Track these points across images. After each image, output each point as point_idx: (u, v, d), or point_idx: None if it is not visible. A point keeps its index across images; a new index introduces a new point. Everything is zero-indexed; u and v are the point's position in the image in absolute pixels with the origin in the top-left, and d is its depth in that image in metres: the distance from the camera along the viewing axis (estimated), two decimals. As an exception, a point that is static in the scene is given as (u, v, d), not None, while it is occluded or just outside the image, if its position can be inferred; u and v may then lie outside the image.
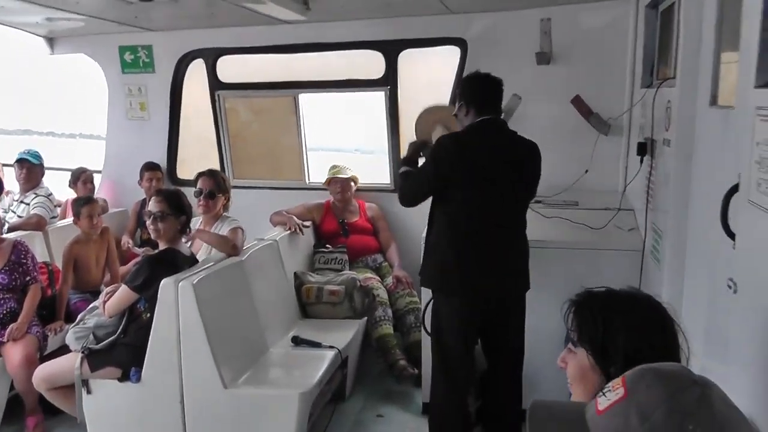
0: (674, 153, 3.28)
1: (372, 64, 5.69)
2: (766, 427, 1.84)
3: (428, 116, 3.82)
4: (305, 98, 6.05)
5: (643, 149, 4.08)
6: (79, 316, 3.89)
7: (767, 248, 1.91)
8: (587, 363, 1.61)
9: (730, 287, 2.24)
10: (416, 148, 3.87)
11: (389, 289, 5.08)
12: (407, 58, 5.65)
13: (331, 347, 4.13)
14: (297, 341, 4.24)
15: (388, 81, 5.65)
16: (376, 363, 4.85)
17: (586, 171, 4.83)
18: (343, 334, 4.40)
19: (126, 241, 5.70)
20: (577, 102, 5.00)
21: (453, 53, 5.48)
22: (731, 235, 2.29)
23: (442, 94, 5.34)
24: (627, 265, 3.97)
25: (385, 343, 4.76)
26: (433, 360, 3.71)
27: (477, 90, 3.60)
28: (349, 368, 4.44)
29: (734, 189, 2.23)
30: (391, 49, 5.60)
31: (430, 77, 5.77)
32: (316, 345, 4.19)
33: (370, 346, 4.83)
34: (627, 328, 1.59)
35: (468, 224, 3.44)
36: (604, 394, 1.21)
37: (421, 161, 3.80)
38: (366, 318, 4.77)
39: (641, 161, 4.14)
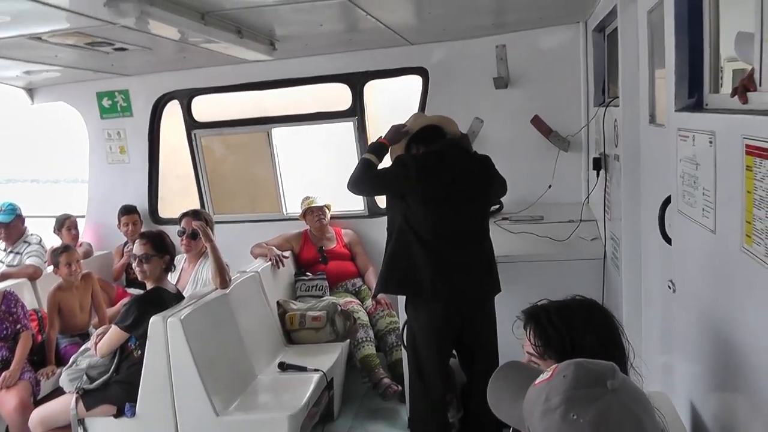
0: (623, 167, 3.51)
1: (341, 96, 5.90)
2: (704, 405, 2.10)
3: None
4: (278, 132, 6.25)
5: (598, 164, 4.35)
6: (72, 359, 4.01)
7: (696, 251, 2.13)
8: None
9: (669, 287, 2.48)
10: (398, 134, 3.87)
11: (369, 311, 5.26)
12: (373, 89, 5.89)
13: (317, 370, 4.29)
14: (283, 367, 4.40)
15: (356, 111, 5.88)
16: (362, 383, 5.00)
17: (550, 186, 5.07)
18: (328, 357, 4.56)
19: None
20: (537, 121, 5.27)
21: (416, 81, 5.72)
22: (668, 241, 2.53)
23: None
24: (591, 273, 4.18)
25: (368, 363, 4.91)
26: (411, 374, 3.88)
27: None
28: (335, 389, 4.59)
29: (668, 200, 2.48)
30: (356, 81, 5.84)
31: (396, 105, 5.98)
32: (302, 369, 4.35)
33: (355, 367, 4.98)
34: (590, 332, 1.77)
35: (431, 232, 3.62)
36: (544, 372, 1.41)
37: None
38: (349, 340, 4.93)
39: (597, 175, 4.38)
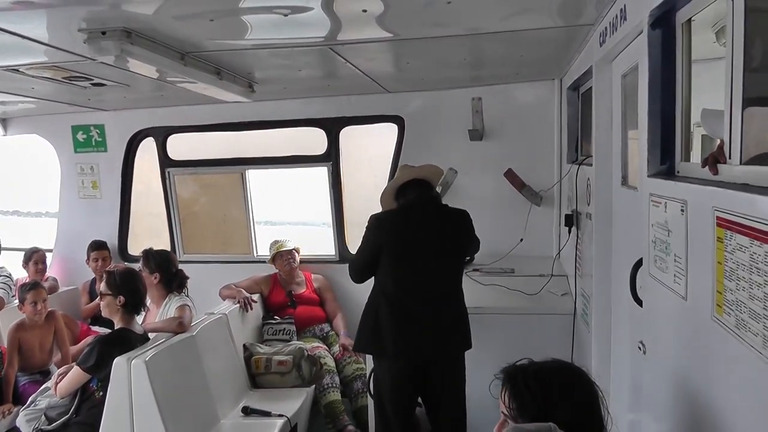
0: (595, 226, 3.55)
1: (316, 140, 5.93)
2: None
3: (388, 191, 4.01)
4: (253, 173, 6.26)
5: (570, 221, 4.41)
6: (30, 398, 3.95)
7: (667, 315, 2.16)
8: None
9: (639, 348, 2.50)
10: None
11: (336, 357, 5.22)
12: (349, 134, 5.92)
13: (281, 416, 4.25)
14: (247, 411, 4.34)
15: (331, 156, 5.91)
16: (326, 429, 4.92)
17: (521, 240, 5.10)
18: (293, 403, 4.51)
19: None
20: (510, 175, 5.33)
21: (392, 129, 5.77)
22: (639, 302, 2.57)
23: (383, 169, 5.66)
24: (560, 328, 4.21)
25: (333, 410, 4.87)
26: (376, 423, 3.88)
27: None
28: (298, 436, 4.53)
29: (640, 262, 2.51)
30: (332, 126, 5.88)
31: (371, 152, 6.06)
32: (266, 414, 4.30)
33: (320, 413, 4.92)
34: (566, 402, 1.77)
35: (396, 289, 3.68)
36: None
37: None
38: (314, 386, 4.89)
39: (569, 231, 4.44)
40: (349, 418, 4.86)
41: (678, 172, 2.21)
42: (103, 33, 3.38)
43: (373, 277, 3.82)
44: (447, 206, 3.97)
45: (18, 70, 4.42)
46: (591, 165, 3.71)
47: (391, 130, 5.79)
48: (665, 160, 2.26)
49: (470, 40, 3.93)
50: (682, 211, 1.92)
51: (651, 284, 2.33)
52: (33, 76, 4.62)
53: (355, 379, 5.08)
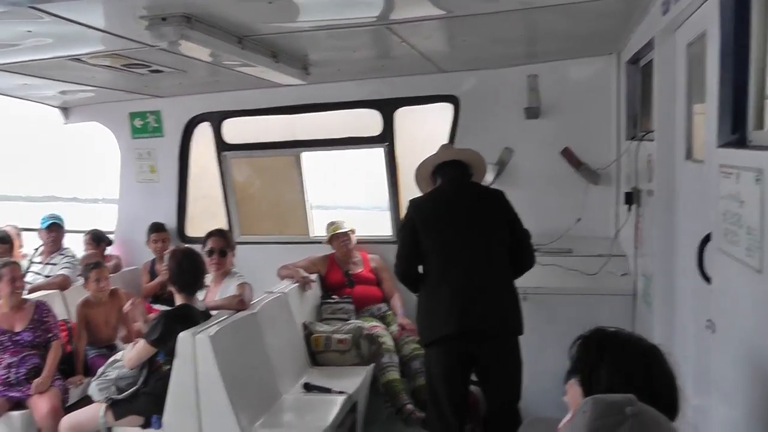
0: (657, 203, 3.50)
1: (370, 122, 5.95)
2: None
3: (422, 170, 4.02)
4: (305, 159, 6.32)
5: (630, 199, 4.32)
6: (100, 369, 4.09)
7: (739, 291, 2.11)
8: (578, 392, 1.78)
9: (708, 327, 2.45)
10: None
11: (394, 336, 5.24)
12: (404, 115, 5.91)
13: (341, 392, 4.31)
14: (308, 387, 4.44)
15: (386, 138, 5.91)
16: (385, 407, 4.95)
17: (579, 219, 5.03)
18: (352, 380, 4.56)
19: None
20: (567, 153, 5.26)
21: (446, 109, 5.74)
22: (707, 279, 2.51)
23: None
24: (620, 309, 4.18)
25: (392, 388, 4.89)
26: (428, 403, 3.91)
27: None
28: (358, 413, 4.56)
29: (708, 237, 2.46)
30: (387, 107, 5.86)
31: (427, 133, 5.99)
32: (327, 391, 4.37)
33: (378, 391, 4.95)
34: (612, 366, 1.75)
35: (439, 272, 3.69)
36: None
37: None
38: (373, 364, 4.93)
39: (629, 209, 4.36)
40: (407, 397, 4.87)
41: (750, 141, 2.15)
42: (164, 19, 3.46)
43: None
44: (481, 186, 3.98)
45: (80, 59, 4.56)
46: (652, 140, 3.64)
47: (445, 110, 5.76)
48: (736, 130, 2.20)
49: (526, 14, 3.87)
50: (757, 180, 1.87)
51: (721, 259, 2.28)
52: (93, 65, 4.76)
53: (413, 359, 5.08)
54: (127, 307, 4.30)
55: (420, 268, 3.82)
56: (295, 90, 5.61)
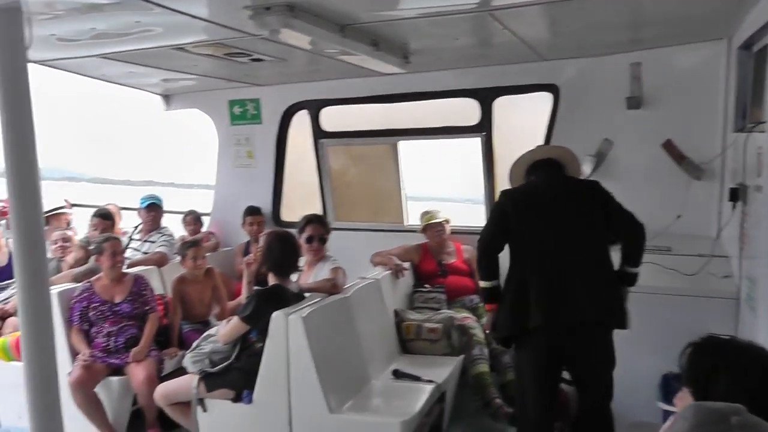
0: (766, 200, 3.29)
1: (467, 111, 5.87)
2: None
3: (518, 165, 3.96)
4: (403, 147, 6.31)
5: (735, 195, 4.09)
6: (195, 342, 4.24)
7: None
8: (688, 400, 1.69)
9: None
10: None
11: (485, 328, 5.14)
12: (501, 105, 5.80)
13: (430, 381, 4.26)
14: (398, 374, 4.42)
15: (484, 127, 5.82)
16: (473, 400, 4.89)
17: (679, 216, 4.79)
18: (441, 370, 4.52)
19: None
20: (669, 146, 5.02)
21: (545, 99, 5.61)
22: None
23: (537, 140, 5.47)
24: (721, 312, 3.98)
25: (481, 381, 4.82)
26: (516, 399, 3.87)
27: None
28: (446, 403, 4.53)
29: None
30: (485, 97, 5.77)
31: (524, 123, 5.90)
32: (416, 379, 4.34)
33: (467, 383, 4.90)
34: (729, 376, 1.66)
35: (528, 263, 3.61)
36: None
37: None
38: (463, 356, 4.87)
39: (733, 207, 4.14)
40: (496, 391, 4.79)
41: None
42: (267, 8, 3.54)
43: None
44: (574, 179, 3.87)
45: (183, 49, 4.72)
46: (763, 132, 3.42)
47: (542, 100, 5.62)
48: None
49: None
50: None
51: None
52: (196, 54, 4.91)
53: (503, 353, 4.96)
54: (249, 257, 4.39)
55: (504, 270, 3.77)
56: (393, 79, 5.61)
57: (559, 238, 3.59)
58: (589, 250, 3.63)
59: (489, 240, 3.78)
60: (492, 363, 4.99)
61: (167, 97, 7.08)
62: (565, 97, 5.48)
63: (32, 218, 2.70)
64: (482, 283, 3.85)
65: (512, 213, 3.67)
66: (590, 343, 3.59)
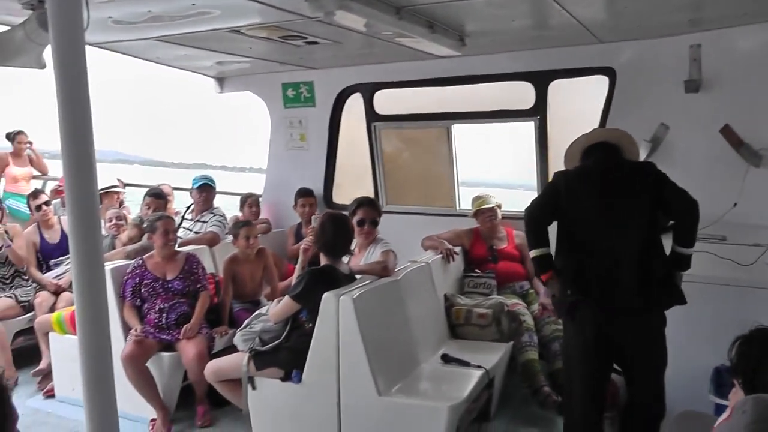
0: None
1: (520, 95, 5.78)
2: None
3: (574, 147, 3.88)
4: (456, 132, 6.25)
5: (796, 183, 3.95)
6: (246, 321, 4.29)
7: None
8: (741, 396, 1.66)
9: None
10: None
11: (535, 316, 5.11)
12: (555, 89, 5.70)
13: (479, 367, 4.23)
14: (447, 359, 4.39)
15: (538, 111, 5.73)
16: (521, 387, 4.88)
17: (735, 204, 4.65)
18: (490, 356, 4.48)
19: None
20: (727, 131, 4.85)
21: (602, 82, 5.48)
22: None
23: (592, 124, 5.35)
24: (778, 305, 3.83)
25: (530, 369, 4.79)
26: (564, 387, 3.81)
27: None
28: (495, 389, 4.51)
29: None
30: (540, 80, 5.68)
31: (580, 107, 5.78)
32: (465, 364, 4.31)
33: (515, 370, 4.87)
34: None
35: (581, 245, 3.56)
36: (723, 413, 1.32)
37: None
38: (512, 342, 4.83)
39: (794, 195, 4.00)
40: (545, 379, 4.75)
41: None
42: (324, -10, 3.53)
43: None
44: (630, 161, 3.75)
45: (239, 31, 4.76)
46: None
47: (597, 84, 5.48)
48: None
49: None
50: None
51: None
52: (251, 37, 4.94)
53: (553, 340, 4.93)
54: (306, 242, 4.38)
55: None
56: (447, 62, 5.56)
57: (609, 222, 3.53)
58: (640, 235, 3.53)
59: (537, 213, 3.74)
60: (541, 351, 4.95)
61: (221, 80, 7.15)
62: (621, 81, 5.34)
63: (87, 197, 2.75)
64: (533, 252, 3.76)
65: (564, 193, 3.62)
66: (639, 333, 3.51)
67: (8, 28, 3.50)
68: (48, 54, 3.23)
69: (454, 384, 4.02)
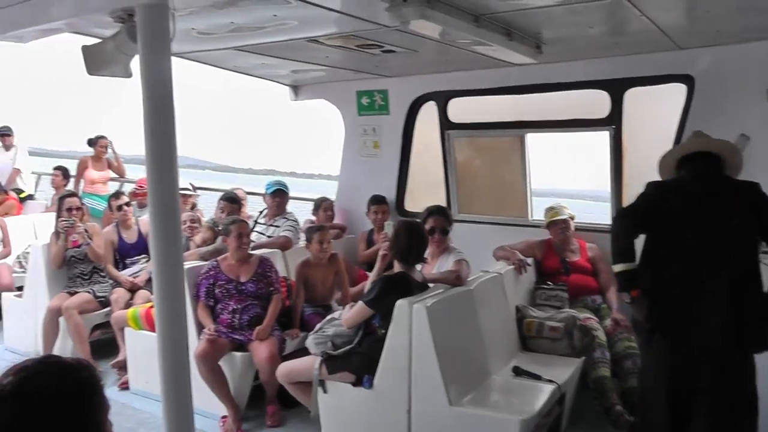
0: None
1: (595, 103, 5.65)
2: None
3: (670, 156, 3.75)
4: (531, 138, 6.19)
5: None
6: (318, 325, 4.36)
7: None
8: None
9: None
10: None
11: (608, 331, 4.97)
12: (632, 97, 5.54)
13: (551, 381, 4.17)
14: (518, 371, 4.33)
15: (613, 120, 5.58)
16: (592, 404, 4.74)
17: None
18: (562, 371, 4.41)
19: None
20: (812, 143, 4.63)
21: (679, 91, 5.30)
22: None
23: (669, 134, 5.24)
24: None
25: (602, 386, 4.65)
26: (636, 411, 3.69)
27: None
28: (565, 405, 4.42)
29: None
30: (616, 88, 5.53)
31: (656, 117, 5.62)
32: (537, 377, 4.24)
33: (587, 386, 4.75)
34: None
35: (669, 265, 3.40)
36: None
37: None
38: (584, 358, 4.72)
39: None
40: (617, 398, 4.59)
41: None
42: (404, 0, 3.54)
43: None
44: (731, 179, 3.57)
45: (317, 41, 4.83)
46: None
47: (672, 92, 5.30)
48: None
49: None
50: None
51: None
52: (329, 46, 5.00)
53: (626, 357, 4.78)
54: (385, 247, 4.34)
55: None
56: (521, 70, 5.50)
57: (701, 246, 3.35)
58: (736, 263, 3.36)
59: (625, 225, 3.62)
60: (613, 368, 4.81)
61: (295, 88, 7.26)
62: (699, 89, 5.15)
63: (169, 201, 2.84)
64: (617, 267, 3.61)
65: (656, 207, 3.48)
66: (724, 374, 3.32)
67: (99, 40, 3.66)
68: (135, 64, 3.35)
69: (526, 397, 3.99)
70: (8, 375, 1.64)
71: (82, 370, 1.71)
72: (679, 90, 5.30)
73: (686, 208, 3.43)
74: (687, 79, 5.25)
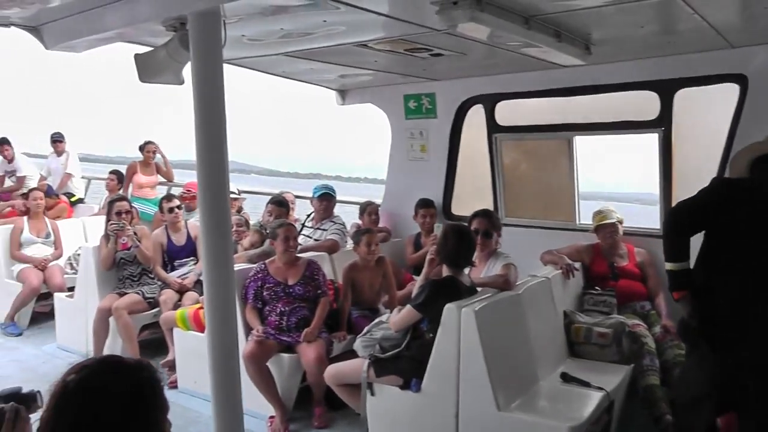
0: None
1: (644, 104, 5.54)
2: None
3: (744, 154, 3.63)
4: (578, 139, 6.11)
5: None
6: (366, 328, 4.40)
7: None
8: None
9: None
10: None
11: (657, 338, 4.89)
12: (681, 98, 5.42)
13: (600, 389, 4.12)
14: (566, 378, 4.30)
15: (663, 122, 5.46)
16: (641, 413, 4.64)
17: None
18: (610, 378, 4.35)
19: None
20: None
21: (731, 92, 5.17)
22: None
23: (721, 137, 5.14)
24: None
25: (651, 394, 4.57)
26: (677, 421, 3.60)
27: None
28: (614, 413, 4.35)
29: None
30: (666, 89, 5.41)
31: (707, 118, 5.50)
32: (585, 384, 4.20)
33: (636, 394, 4.66)
34: None
35: (723, 273, 3.29)
36: None
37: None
38: (633, 365, 4.65)
39: None
40: (667, 407, 4.47)
41: None
42: (455, 3, 3.52)
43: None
44: None
45: (365, 45, 4.85)
46: None
47: (727, 92, 5.17)
48: None
49: None
50: None
51: None
52: (377, 50, 5.02)
53: (675, 366, 4.66)
54: (434, 251, 4.34)
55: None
56: (569, 71, 5.44)
57: (763, 256, 3.23)
58: None
59: (684, 220, 3.44)
60: (663, 376, 4.71)
61: (342, 92, 7.31)
62: (753, 89, 5.01)
63: (220, 205, 2.89)
64: (669, 265, 3.46)
65: (722, 204, 3.33)
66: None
67: (151, 48, 3.74)
68: (187, 71, 3.42)
69: (574, 404, 3.96)
70: (71, 373, 1.69)
71: (143, 370, 1.76)
72: (731, 90, 5.18)
73: (754, 210, 3.27)
74: (740, 79, 5.11)
